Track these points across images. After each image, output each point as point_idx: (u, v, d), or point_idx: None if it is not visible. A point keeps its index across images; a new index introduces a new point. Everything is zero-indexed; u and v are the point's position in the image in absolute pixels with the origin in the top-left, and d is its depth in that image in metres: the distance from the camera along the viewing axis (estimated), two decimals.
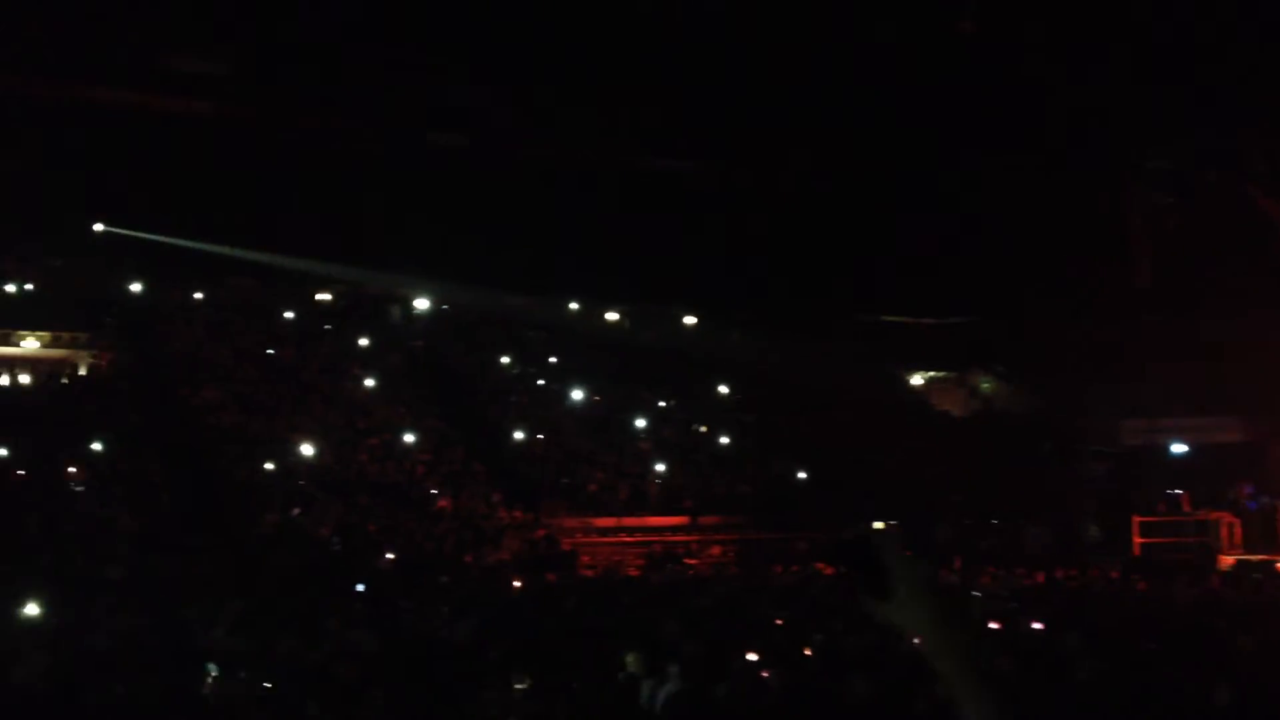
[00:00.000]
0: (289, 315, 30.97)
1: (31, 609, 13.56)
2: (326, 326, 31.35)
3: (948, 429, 35.03)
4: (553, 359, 32.62)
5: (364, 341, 30.74)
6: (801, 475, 29.42)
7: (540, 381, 31.69)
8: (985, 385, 37.99)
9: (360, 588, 18.44)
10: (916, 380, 38.70)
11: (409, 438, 26.84)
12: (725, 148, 32.33)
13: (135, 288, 29.67)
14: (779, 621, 12.38)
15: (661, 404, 31.70)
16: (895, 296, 35.27)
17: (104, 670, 9.84)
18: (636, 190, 32.29)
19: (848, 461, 30.47)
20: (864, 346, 35.71)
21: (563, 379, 31.45)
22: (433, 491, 25.50)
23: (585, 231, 30.74)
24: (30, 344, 28.74)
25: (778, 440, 31.64)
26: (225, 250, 29.39)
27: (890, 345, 36.83)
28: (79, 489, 22.42)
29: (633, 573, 23.81)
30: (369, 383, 29.03)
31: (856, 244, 33.08)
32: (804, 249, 33.26)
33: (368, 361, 29.89)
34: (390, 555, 22.31)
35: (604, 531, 26.64)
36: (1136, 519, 25.84)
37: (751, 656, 10.06)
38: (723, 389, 33.54)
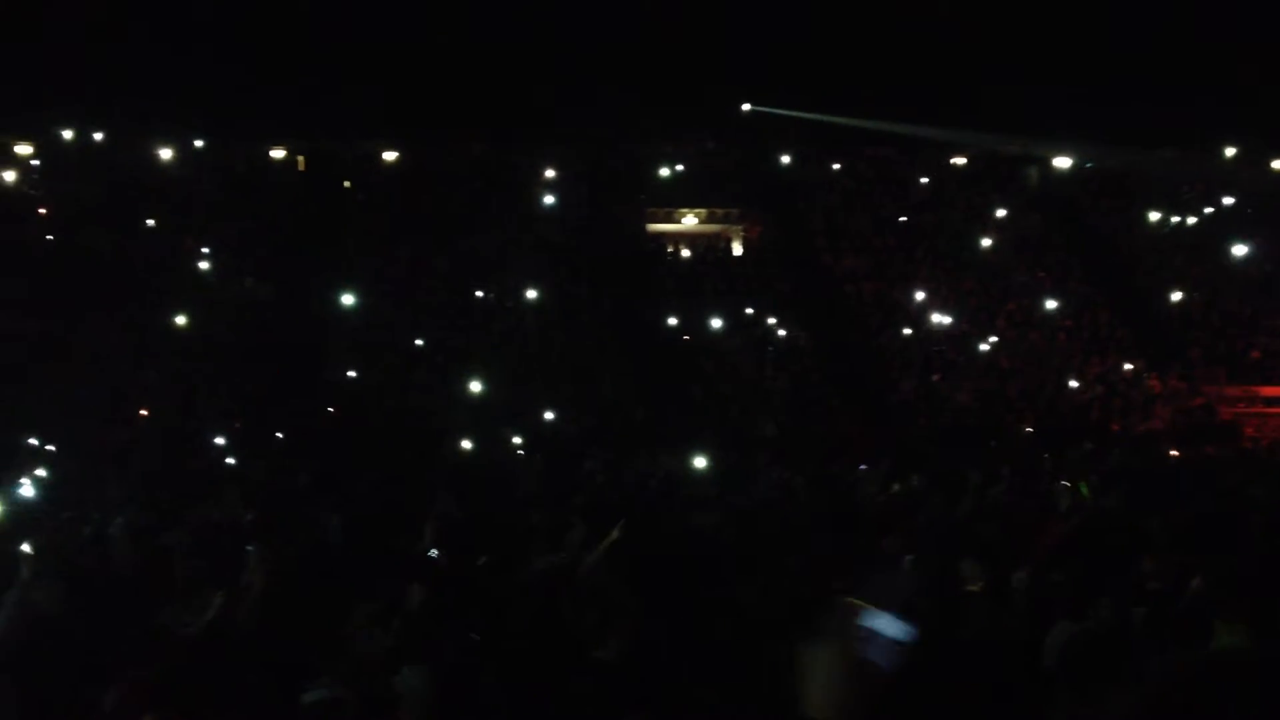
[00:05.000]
0: (924, 181, 30.91)
1: (700, 462, 15.00)
2: (961, 192, 30.94)
3: None
4: (1210, 212, 29.75)
5: (1000, 204, 29.97)
6: None
7: (1195, 239, 29.09)
8: None
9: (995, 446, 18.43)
10: None
11: (1050, 303, 25.99)
12: None
13: (781, 162, 31.07)
14: None
15: None
16: None
17: (769, 520, 10.67)
18: None
19: None
20: None
21: (1222, 235, 28.60)
22: (1076, 358, 24.66)
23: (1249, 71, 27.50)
24: (689, 220, 31.26)
25: None
26: (862, 122, 29.88)
27: None
28: (735, 353, 24.29)
29: None
30: (1006, 247, 28.36)
31: None
32: None
33: (1004, 225, 29.18)
34: (1031, 423, 22.00)
35: (1270, 401, 24.44)
36: None
37: None
38: None
